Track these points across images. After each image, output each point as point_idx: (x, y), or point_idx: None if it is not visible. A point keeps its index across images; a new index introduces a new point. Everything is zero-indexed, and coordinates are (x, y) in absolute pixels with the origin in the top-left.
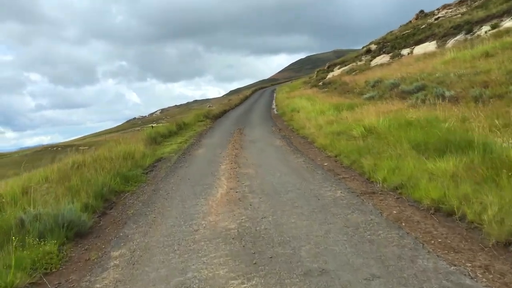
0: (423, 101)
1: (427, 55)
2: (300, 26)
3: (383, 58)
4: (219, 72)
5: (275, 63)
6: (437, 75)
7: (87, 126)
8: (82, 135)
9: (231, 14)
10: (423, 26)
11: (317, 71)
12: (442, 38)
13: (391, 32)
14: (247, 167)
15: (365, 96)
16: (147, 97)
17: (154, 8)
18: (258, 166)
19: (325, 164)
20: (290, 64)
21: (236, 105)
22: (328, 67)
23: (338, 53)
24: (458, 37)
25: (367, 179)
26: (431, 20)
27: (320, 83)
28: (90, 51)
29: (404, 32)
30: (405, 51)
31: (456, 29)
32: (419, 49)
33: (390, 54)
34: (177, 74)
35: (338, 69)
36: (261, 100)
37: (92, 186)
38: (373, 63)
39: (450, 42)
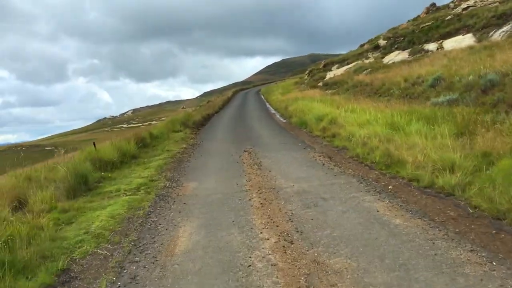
0: None
1: (476, 49)
2: (276, 29)
3: (399, 55)
4: (193, 73)
5: (250, 66)
6: None
7: (56, 125)
8: (51, 134)
9: (208, 15)
10: (448, 17)
11: (310, 71)
12: (481, 30)
13: (394, 28)
14: None
15: (435, 100)
16: (119, 96)
17: (129, 5)
18: None
19: None
20: (265, 67)
21: (220, 108)
22: (325, 66)
23: (313, 57)
24: (505, 28)
25: None
26: (450, 12)
27: (320, 84)
28: (61, 48)
29: (424, 25)
30: (431, 46)
31: (500, 19)
32: (451, 43)
33: (408, 50)
34: (150, 74)
35: (338, 68)
36: (249, 102)
37: None
38: (387, 60)
39: (497, 34)
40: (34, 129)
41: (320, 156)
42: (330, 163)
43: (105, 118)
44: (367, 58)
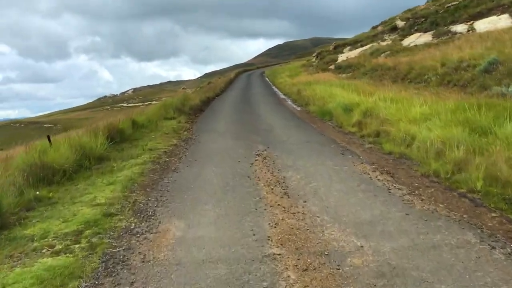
0: None
1: None
2: (280, 11)
3: (421, 37)
4: (195, 53)
5: (252, 48)
6: None
7: (57, 102)
8: (51, 111)
9: None
10: None
11: (319, 53)
12: None
13: (410, 9)
14: None
15: (501, 89)
16: (121, 75)
17: None
18: None
19: None
20: (267, 50)
21: (222, 91)
22: (335, 48)
23: (315, 41)
24: None
25: None
26: None
27: (332, 66)
28: (63, 24)
29: (449, 5)
30: (459, 28)
31: None
32: (485, 25)
33: (432, 31)
34: (152, 53)
35: (350, 50)
36: (254, 84)
37: None
38: (407, 42)
39: None
40: (35, 106)
41: (373, 169)
42: (397, 188)
43: (105, 96)
44: (383, 40)
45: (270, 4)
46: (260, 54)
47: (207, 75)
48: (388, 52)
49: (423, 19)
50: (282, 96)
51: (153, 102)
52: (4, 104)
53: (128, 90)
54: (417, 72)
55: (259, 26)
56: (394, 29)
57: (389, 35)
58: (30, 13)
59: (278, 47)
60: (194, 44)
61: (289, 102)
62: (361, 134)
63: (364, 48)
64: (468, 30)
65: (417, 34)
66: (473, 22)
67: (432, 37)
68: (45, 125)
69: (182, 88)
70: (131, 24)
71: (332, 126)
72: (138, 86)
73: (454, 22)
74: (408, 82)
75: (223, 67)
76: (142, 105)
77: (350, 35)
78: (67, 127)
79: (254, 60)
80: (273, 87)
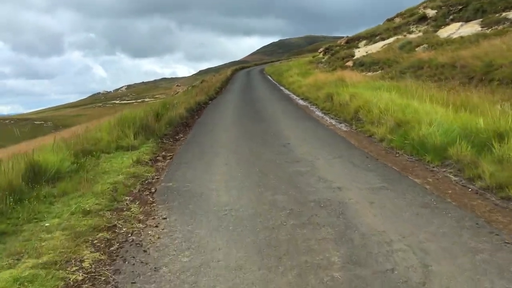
0: None
1: None
2: (275, 9)
3: (463, 27)
4: (190, 50)
5: (246, 45)
6: None
7: (51, 97)
8: (44, 107)
9: None
10: None
11: (327, 48)
12: None
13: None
14: None
15: None
16: (115, 71)
17: None
18: None
19: None
20: (262, 47)
21: (217, 92)
22: (347, 42)
23: (310, 39)
24: None
25: None
26: None
27: (349, 63)
28: (57, 20)
29: None
30: None
31: None
32: None
33: (478, 20)
34: (147, 50)
35: (368, 44)
36: (256, 85)
37: None
38: (446, 34)
39: None
40: (29, 102)
41: None
42: None
43: (99, 93)
44: (409, 32)
45: (266, 2)
46: (255, 52)
47: (201, 72)
48: (425, 45)
49: (460, 7)
50: (302, 102)
51: (146, 100)
52: None
53: (121, 87)
54: (509, 70)
55: (254, 24)
56: (422, 19)
57: (417, 27)
58: (23, 8)
59: (273, 44)
60: (189, 41)
61: (318, 113)
62: None
63: (388, 41)
64: None
65: (457, 24)
66: None
67: (481, 27)
68: (35, 122)
69: (176, 85)
70: (126, 21)
71: (472, 190)
72: (132, 82)
73: (508, 8)
74: (496, 84)
75: (218, 64)
76: (135, 102)
77: (345, 34)
78: (58, 124)
79: (249, 58)
80: (283, 88)
